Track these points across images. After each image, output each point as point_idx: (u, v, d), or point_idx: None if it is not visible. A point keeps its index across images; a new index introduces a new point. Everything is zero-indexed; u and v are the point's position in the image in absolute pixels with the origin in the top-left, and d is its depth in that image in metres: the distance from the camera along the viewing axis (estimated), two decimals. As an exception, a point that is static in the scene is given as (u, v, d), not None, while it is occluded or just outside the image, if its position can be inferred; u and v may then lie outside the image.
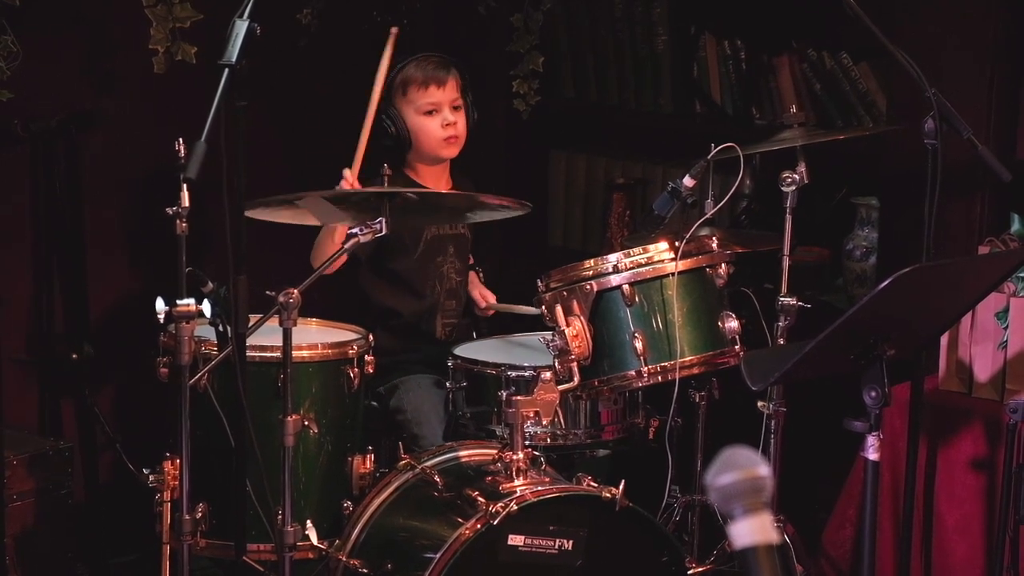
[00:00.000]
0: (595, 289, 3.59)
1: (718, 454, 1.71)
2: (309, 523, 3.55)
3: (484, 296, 4.27)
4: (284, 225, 3.74)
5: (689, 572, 3.52)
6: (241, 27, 3.11)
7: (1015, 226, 4.01)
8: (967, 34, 4.14)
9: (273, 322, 3.35)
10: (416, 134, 4.07)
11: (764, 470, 1.67)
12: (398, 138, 4.06)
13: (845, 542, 3.95)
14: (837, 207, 4.72)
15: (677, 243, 3.59)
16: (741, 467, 1.67)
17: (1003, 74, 4.15)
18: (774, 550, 1.65)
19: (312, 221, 3.76)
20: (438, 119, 4.06)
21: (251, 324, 3.30)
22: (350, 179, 3.89)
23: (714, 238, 3.70)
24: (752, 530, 1.66)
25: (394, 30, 3.96)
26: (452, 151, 4.11)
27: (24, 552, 3.94)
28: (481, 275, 4.33)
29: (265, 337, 3.47)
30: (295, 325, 3.32)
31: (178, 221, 3.21)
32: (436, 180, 4.13)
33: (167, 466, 3.52)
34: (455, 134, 4.08)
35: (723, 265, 3.66)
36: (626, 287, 3.57)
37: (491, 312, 4.27)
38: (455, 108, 4.08)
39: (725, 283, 3.67)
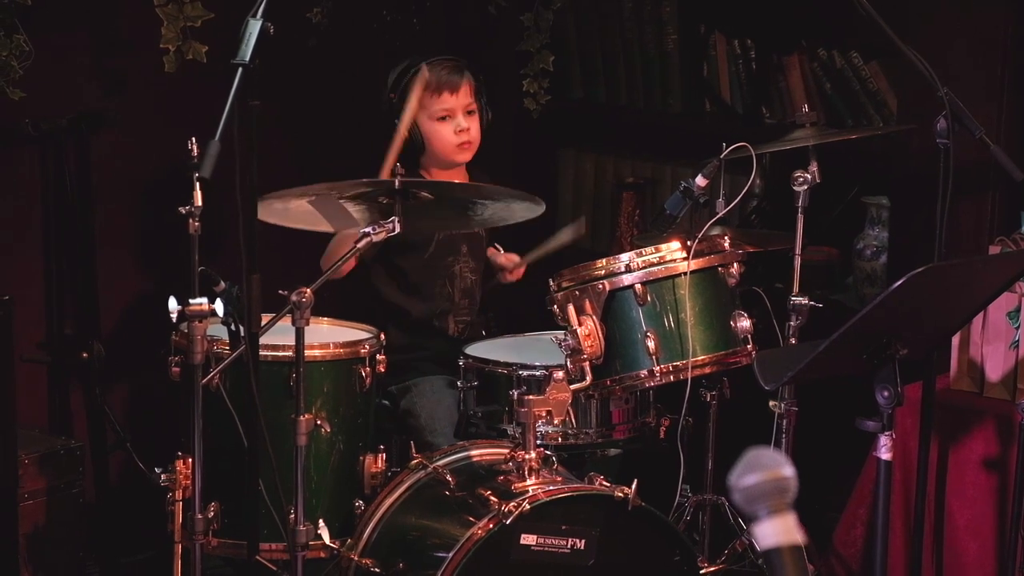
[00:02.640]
0: (607, 288, 3.59)
1: (740, 455, 1.71)
2: (321, 522, 3.55)
3: (509, 258, 4.23)
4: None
5: (701, 571, 3.52)
6: (255, 26, 3.11)
7: (1026, 225, 4.02)
8: (978, 33, 4.14)
9: (285, 321, 3.35)
10: (429, 139, 4.07)
11: (788, 471, 1.67)
12: (412, 142, 4.06)
13: (856, 541, 3.95)
14: (847, 206, 4.71)
15: (689, 242, 3.59)
16: (765, 468, 1.67)
17: (1014, 73, 4.14)
18: (799, 551, 1.65)
19: (325, 227, 3.76)
20: (451, 125, 4.07)
21: (264, 323, 3.30)
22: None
23: (726, 237, 3.70)
24: (777, 531, 1.66)
25: (424, 71, 3.97)
26: (466, 156, 4.11)
27: (35, 551, 3.95)
28: (499, 248, 4.29)
29: (277, 336, 3.48)
30: (307, 324, 3.32)
31: (191, 220, 3.21)
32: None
33: (179, 465, 3.52)
34: (468, 140, 4.08)
35: (735, 264, 3.66)
36: (638, 286, 3.58)
37: (522, 270, 4.23)
38: (468, 113, 4.09)
39: (737, 282, 3.67)
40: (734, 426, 3.96)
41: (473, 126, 4.09)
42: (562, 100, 5.15)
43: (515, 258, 4.24)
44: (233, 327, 3.34)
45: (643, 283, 3.58)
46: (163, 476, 3.54)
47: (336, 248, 3.98)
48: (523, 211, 3.68)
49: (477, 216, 3.76)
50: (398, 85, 4.07)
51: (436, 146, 4.07)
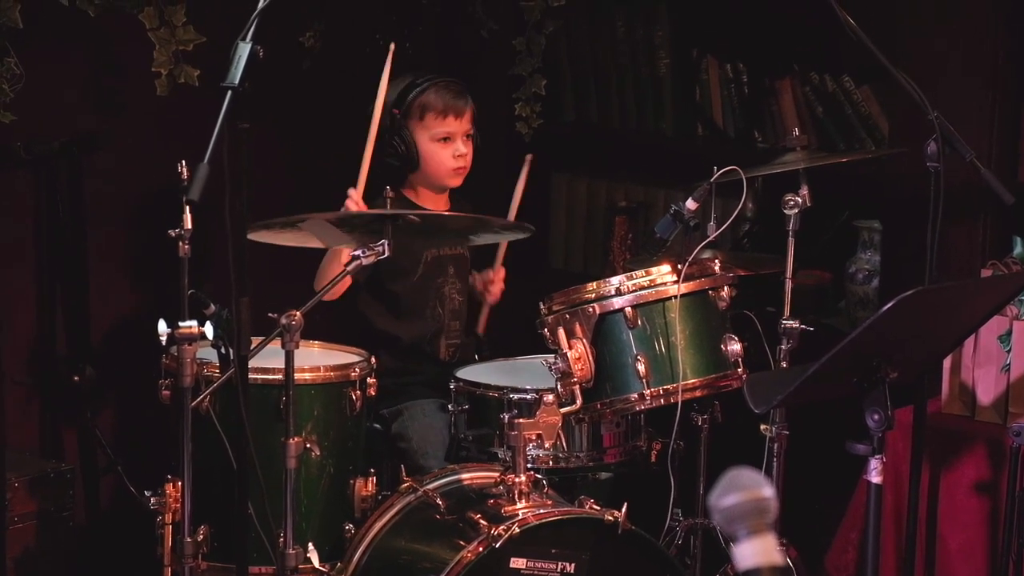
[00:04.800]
0: (598, 312, 3.59)
1: (722, 476, 1.71)
2: (311, 546, 3.54)
3: (483, 277, 4.26)
4: (287, 247, 3.74)
5: (692, 595, 3.51)
6: (244, 49, 3.11)
7: (1017, 249, 4.01)
8: (969, 57, 4.14)
9: (275, 344, 3.35)
10: (426, 160, 4.06)
11: (768, 491, 1.67)
12: (406, 159, 4.05)
13: (848, 566, 3.94)
14: (839, 230, 4.72)
15: (680, 266, 3.59)
16: (745, 488, 1.66)
17: (1005, 97, 4.15)
18: (778, 572, 1.64)
19: (316, 244, 3.77)
20: (451, 149, 4.06)
21: (253, 346, 3.30)
22: (355, 198, 3.89)
23: (716, 261, 3.70)
24: (756, 552, 1.65)
25: (392, 46, 3.96)
26: (458, 181, 4.11)
27: (25, 574, 3.93)
28: (474, 272, 4.31)
29: (267, 359, 3.47)
30: (297, 347, 3.33)
31: (181, 243, 3.21)
32: (435, 203, 4.13)
33: (169, 488, 3.52)
34: (464, 165, 4.09)
35: (725, 288, 3.66)
36: (629, 310, 3.57)
37: (499, 285, 4.24)
38: (467, 138, 4.09)
39: (727, 306, 3.67)
40: (725, 450, 3.95)
41: (469, 152, 4.10)
42: (554, 124, 5.15)
43: (488, 275, 4.25)
44: (223, 350, 3.33)
45: (633, 306, 3.58)
46: (152, 499, 3.54)
47: (327, 266, 3.97)
48: (512, 233, 3.69)
49: (466, 237, 3.76)
50: (403, 101, 4.06)
51: (432, 167, 4.07)
